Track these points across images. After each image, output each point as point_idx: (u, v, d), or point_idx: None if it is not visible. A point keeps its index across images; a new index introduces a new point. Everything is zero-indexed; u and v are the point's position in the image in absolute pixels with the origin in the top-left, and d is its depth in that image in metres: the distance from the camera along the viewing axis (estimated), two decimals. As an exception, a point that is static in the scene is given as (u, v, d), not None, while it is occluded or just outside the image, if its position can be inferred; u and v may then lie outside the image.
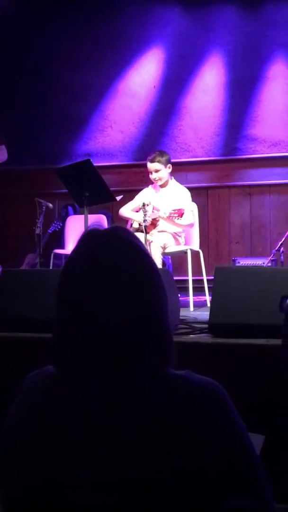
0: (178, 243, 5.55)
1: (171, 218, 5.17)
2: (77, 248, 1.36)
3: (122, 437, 1.22)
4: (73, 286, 1.32)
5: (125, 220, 5.75)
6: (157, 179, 5.63)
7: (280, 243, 5.87)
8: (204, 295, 5.61)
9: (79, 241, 1.37)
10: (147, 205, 5.28)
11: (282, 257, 5.88)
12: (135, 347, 1.28)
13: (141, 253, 1.35)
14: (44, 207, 5.87)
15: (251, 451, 1.27)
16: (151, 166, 5.62)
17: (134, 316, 1.28)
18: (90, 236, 1.36)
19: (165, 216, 5.21)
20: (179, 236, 5.58)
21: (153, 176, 5.63)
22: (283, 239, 5.84)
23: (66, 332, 1.31)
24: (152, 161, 5.60)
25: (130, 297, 1.28)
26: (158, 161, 5.58)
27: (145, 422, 1.23)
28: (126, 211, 5.73)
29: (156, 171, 5.60)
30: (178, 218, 5.15)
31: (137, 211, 5.62)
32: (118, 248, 1.33)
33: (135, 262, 1.32)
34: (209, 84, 7.35)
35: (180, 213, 5.10)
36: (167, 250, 5.38)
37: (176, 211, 5.12)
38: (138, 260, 1.33)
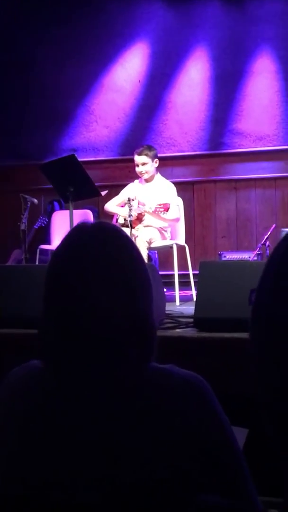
0: (164, 237, 5.56)
1: (156, 212, 5.18)
2: (64, 241, 1.37)
3: (109, 431, 1.22)
4: (60, 279, 1.33)
5: (111, 216, 5.74)
6: (143, 172, 5.63)
7: (265, 237, 5.90)
8: (190, 289, 5.62)
9: (67, 235, 1.38)
10: (133, 200, 5.29)
11: (267, 251, 5.90)
12: (119, 340, 1.29)
13: (127, 246, 1.36)
14: (29, 202, 5.84)
15: (234, 446, 1.27)
16: (138, 158, 5.63)
17: (119, 309, 1.29)
18: (77, 230, 1.37)
19: (151, 211, 5.22)
20: (165, 231, 5.59)
21: (139, 169, 5.64)
22: (269, 233, 5.86)
23: (53, 325, 1.32)
24: (139, 154, 5.62)
25: (116, 290, 1.29)
26: (146, 155, 5.60)
27: (129, 416, 1.23)
28: (111, 206, 5.73)
29: (143, 164, 5.61)
30: (163, 213, 5.16)
31: (122, 206, 5.62)
32: (105, 240, 1.34)
33: (122, 255, 1.33)
34: (194, 79, 7.35)
35: (166, 208, 5.11)
36: (153, 245, 5.39)
37: (162, 205, 5.13)
38: (125, 253, 1.34)
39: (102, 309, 1.28)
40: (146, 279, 1.35)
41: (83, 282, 1.29)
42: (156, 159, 5.66)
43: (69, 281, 1.30)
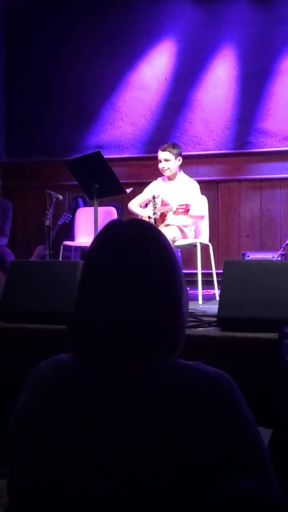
0: (185, 236, 5.55)
1: (177, 213, 5.18)
2: (100, 236, 1.39)
3: (134, 425, 1.23)
4: (97, 270, 1.34)
5: (134, 214, 5.75)
6: (165, 168, 5.64)
7: (290, 237, 5.87)
8: (213, 288, 5.60)
9: (103, 229, 1.39)
10: (157, 197, 5.29)
11: (292, 252, 5.88)
12: (150, 334, 1.30)
13: (165, 241, 1.39)
14: (54, 198, 5.86)
15: (260, 444, 1.28)
16: (161, 154, 5.64)
17: (152, 302, 1.30)
18: (113, 225, 1.39)
19: (172, 212, 5.22)
20: (189, 229, 5.58)
21: (161, 165, 5.65)
22: (293, 233, 5.83)
23: (85, 317, 1.33)
24: (163, 150, 5.64)
25: (151, 283, 1.31)
26: (169, 151, 5.61)
27: (155, 410, 1.23)
28: (134, 205, 5.75)
29: (165, 160, 5.62)
30: (184, 214, 5.16)
31: (146, 204, 5.63)
32: (142, 234, 1.36)
33: (158, 250, 1.36)
34: (220, 78, 7.33)
35: (186, 209, 5.10)
36: (176, 243, 5.38)
37: (183, 207, 5.12)
38: (161, 248, 1.37)
39: (136, 302, 1.29)
40: (179, 274, 1.38)
41: (119, 274, 1.31)
42: (180, 157, 5.65)
43: (106, 273, 1.32)
